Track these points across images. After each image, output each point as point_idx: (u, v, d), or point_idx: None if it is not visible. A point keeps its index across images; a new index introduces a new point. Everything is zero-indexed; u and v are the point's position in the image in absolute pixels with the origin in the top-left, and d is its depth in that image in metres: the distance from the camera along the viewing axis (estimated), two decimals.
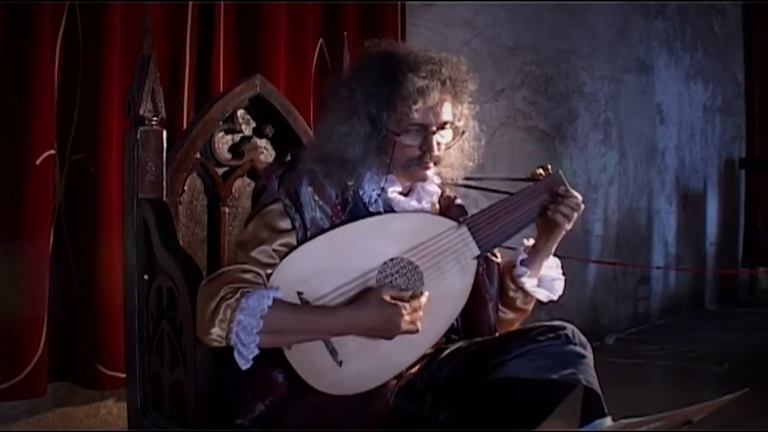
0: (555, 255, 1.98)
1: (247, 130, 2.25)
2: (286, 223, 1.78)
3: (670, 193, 6.00)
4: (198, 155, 2.17)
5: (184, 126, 2.89)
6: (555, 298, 1.99)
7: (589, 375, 1.74)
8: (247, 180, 2.25)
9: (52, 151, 2.73)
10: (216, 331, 1.67)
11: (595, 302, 5.23)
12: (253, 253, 1.75)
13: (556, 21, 4.91)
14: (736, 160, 6.69)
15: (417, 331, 1.73)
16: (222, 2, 3.11)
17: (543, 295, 1.97)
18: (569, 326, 1.79)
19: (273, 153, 2.29)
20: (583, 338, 1.79)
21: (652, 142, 5.81)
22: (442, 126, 1.82)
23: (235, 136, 2.24)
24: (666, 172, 5.96)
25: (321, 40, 3.44)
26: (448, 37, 4.13)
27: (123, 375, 2.25)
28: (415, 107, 1.76)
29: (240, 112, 2.23)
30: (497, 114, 4.49)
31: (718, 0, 6.46)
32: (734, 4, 6.66)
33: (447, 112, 1.82)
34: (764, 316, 5.94)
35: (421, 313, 1.73)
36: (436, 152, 1.81)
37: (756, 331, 5.42)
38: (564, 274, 2.00)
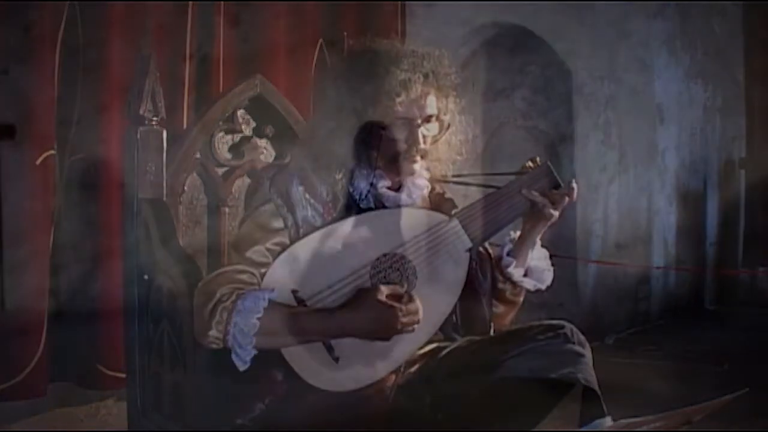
0: (554, 255, 1.99)
1: (247, 130, 2.26)
2: (278, 223, 1.80)
3: (670, 193, 5.99)
4: (198, 155, 2.17)
5: (184, 126, 2.89)
6: (543, 287, 2.00)
7: (588, 374, 1.74)
8: (247, 180, 2.26)
9: (52, 151, 2.73)
10: (213, 333, 1.68)
11: (595, 302, 5.23)
12: (248, 254, 1.77)
13: (556, 21, 4.90)
14: (736, 160, 6.68)
15: (413, 330, 1.73)
16: (222, 2, 3.12)
17: (530, 284, 1.98)
18: (568, 325, 1.79)
19: (273, 153, 2.29)
20: (582, 337, 1.79)
21: (652, 142, 5.80)
22: (427, 119, 1.83)
23: (235, 136, 2.24)
24: (666, 172, 5.95)
25: (321, 40, 3.44)
26: (448, 37, 4.13)
27: (123, 375, 2.25)
28: (398, 100, 1.77)
29: (240, 112, 2.23)
30: (497, 114, 4.49)
31: (718, 0, 6.46)
32: (734, 4, 6.65)
33: (431, 105, 1.83)
34: (764, 316, 5.93)
35: (417, 316, 1.73)
36: (422, 145, 1.82)
37: (756, 331, 5.41)
38: (553, 265, 2.01)
